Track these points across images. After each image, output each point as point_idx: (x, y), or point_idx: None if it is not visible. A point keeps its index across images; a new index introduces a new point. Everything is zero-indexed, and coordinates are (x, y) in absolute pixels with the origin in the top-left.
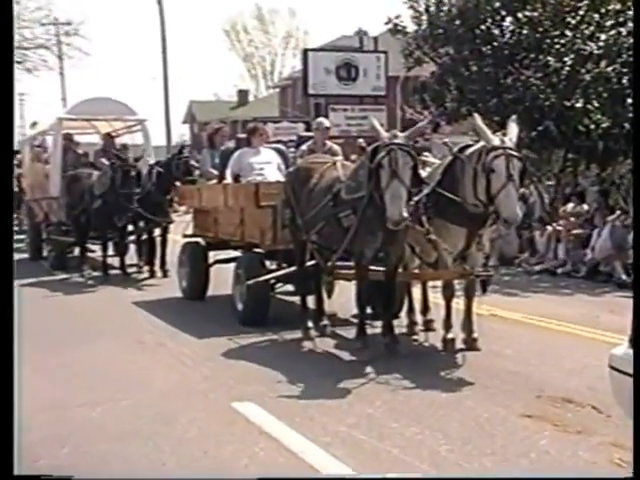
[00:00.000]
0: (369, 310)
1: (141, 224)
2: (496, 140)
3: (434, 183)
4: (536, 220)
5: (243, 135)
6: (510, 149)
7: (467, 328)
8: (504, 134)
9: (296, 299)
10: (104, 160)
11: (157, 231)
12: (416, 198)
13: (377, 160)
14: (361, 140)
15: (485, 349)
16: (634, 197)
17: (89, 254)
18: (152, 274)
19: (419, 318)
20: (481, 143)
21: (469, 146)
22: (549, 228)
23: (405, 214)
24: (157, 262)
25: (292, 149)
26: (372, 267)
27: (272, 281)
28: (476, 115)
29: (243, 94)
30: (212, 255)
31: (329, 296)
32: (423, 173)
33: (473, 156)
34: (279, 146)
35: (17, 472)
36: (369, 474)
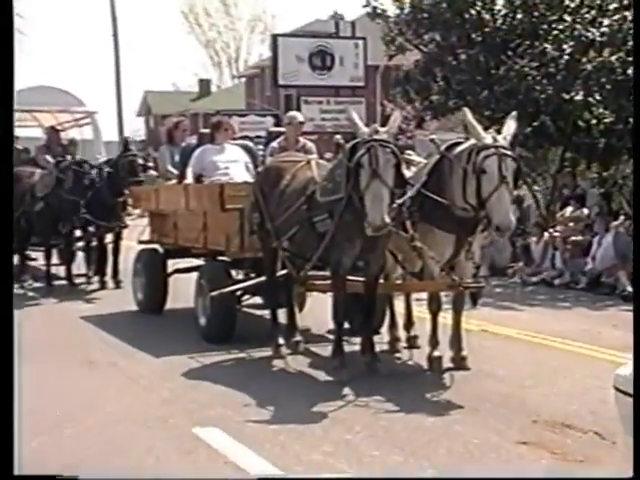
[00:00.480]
0: (347, 325)
1: (90, 229)
2: (488, 138)
3: (419, 184)
4: (531, 226)
5: (206, 130)
6: (503, 148)
7: (455, 345)
8: (498, 131)
9: (266, 313)
10: (48, 157)
11: (109, 237)
12: (399, 201)
13: (356, 158)
14: (338, 136)
15: (475, 368)
16: (634, 198)
17: (30, 262)
18: (103, 285)
19: (402, 334)
20: (471, 141)
21: (458, 144)
22: (545, 235)
23: (387, 219)
24: (108, 272)
25: (260, 146)
26: (350, 277)
27: (239, 293)
28: (465, 109)
29: (205, 84)
30: (171, 264)
31: (300, 309)
32: (407, 173)
33: (462, 155)
34: (246, 142)
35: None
36: (368, 475)
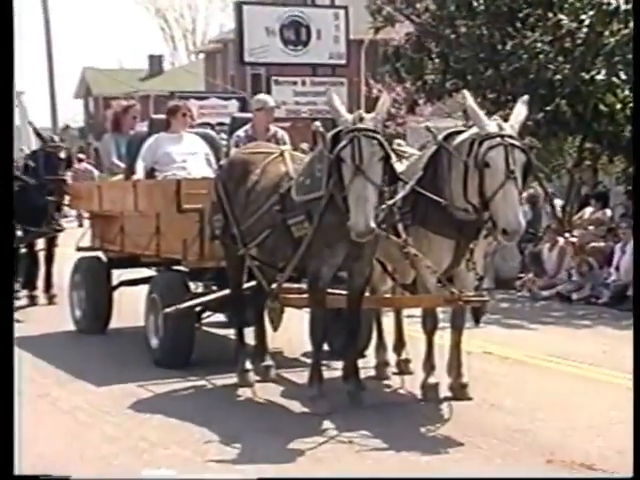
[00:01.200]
0: (326, 347)
1: (18, 233)
2: (492, 126)
3: (413, 181)
4: (544, 230)
5: (159, 116)
6: (510, 138)
7: (454, 370)
8: (505, 118)
9: (230, 332)
10: None
11: (40, 243)
12: (391, 201)
13: (337, 151)
14: (317, 124)
15: (478, 398)
16: (634, 198)
17: None
18: (33, 300)
19: (392, 357)
20: (473, 129)
21: (458, 133)
22: (561, 240)
23: (372, 224)
24: (40, 284)
25: (224, 135)
26: (331, 290)
27: (198, 309)
28: (465, 92)
29: (156, 61)
30: (116, 275)
31: (275, 328)
32: (399, 167)
33: (463, 146)
34: (207, 131)
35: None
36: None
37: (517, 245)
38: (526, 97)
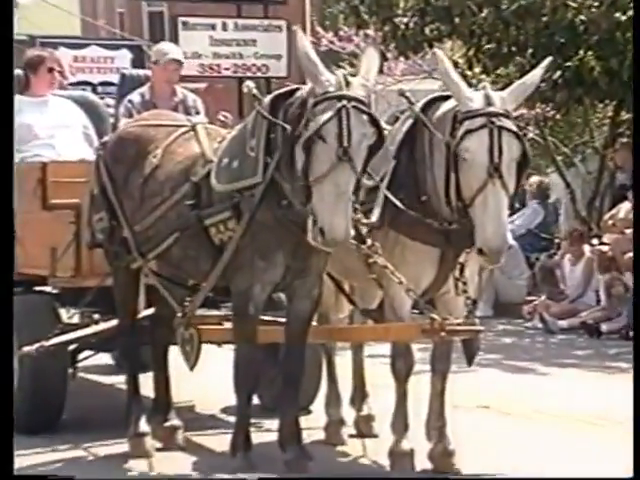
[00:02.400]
0: (256, 400)
1: None
2: (477, 98)
3: (384, 170)
4: (562, 235)
5: (15, 71)
6: (500, 117)
7: (436, 432)
8: (510, 81)
9: (119, 380)
10: None
11: None
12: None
13: (316, 125)
14: (250, 84)
15: (468, 470)
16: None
17: None
18: None
19: (349, 413)
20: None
21: (444, 99)
22: (586, 250)
23: (351, 229)
24: None
25: (110, 100)
26: (265, 317)
27: (72, 347)
28: (438, 52)
29: None
30: None
31: (191, 366)
32: None
33: (445, 120)
34: (85, 94)
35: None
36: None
37: (525, 257)
38: (550, 59)
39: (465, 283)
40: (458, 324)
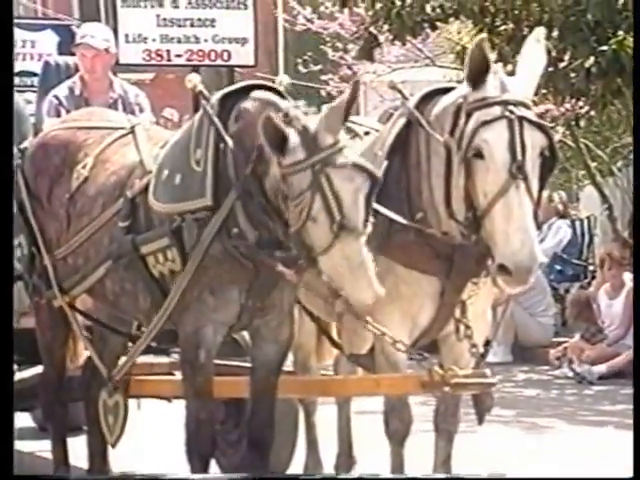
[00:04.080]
0: (215, 466)
1: None
2: (489, 84)
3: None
4: (598, 260)
5: None
6: (521, 106)
7: None
8: (514, 69)
9: (42, 446)
10: None
11: None
12: None
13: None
14: (195, 77)
15: None
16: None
17: None
18: None
19: None
20: (462, 88)
21: (443, 92)
22: (628, 279)
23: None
24: None
25: (31, 95)
26: (223, 362)
27: None
28: None
29: None
30: None
31: (113, 442)
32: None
33: (445, 116)
34: None
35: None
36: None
37: (551, 287)
38: (539, 30)
39: (468, 326)
40: (465, 376)
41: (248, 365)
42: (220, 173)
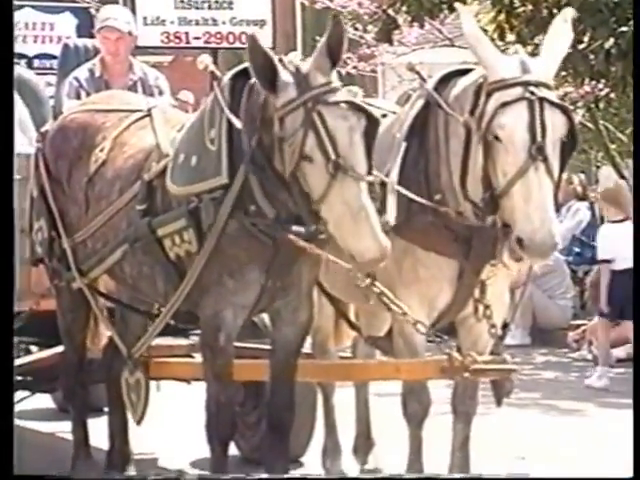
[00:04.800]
0: (235, 449)
1: None
2: (510, 64)
3: (390, 164)
4: None
5: None
6: (542, 86)
7: None
8: (533, 51)
9: (63, 427)
10: None
11: None
12: None
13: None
14: (205, 58)
15: None
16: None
17: None
18: None
19: (351, 465)
20: (479, 70)
21: (462, 73)
22: None
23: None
24: None
25: (50, 77)
26: (242, 345)
27: None
28: (461, 7)
29: None
30: None
31: (138, 419)
32: None
33: (465, 97)
34: (18, 69)
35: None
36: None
37: (570, 271)
38: (568, 10)
39: (488, 306)
40: (485, 362)
41: (267, 347)
42: (235, 151)
